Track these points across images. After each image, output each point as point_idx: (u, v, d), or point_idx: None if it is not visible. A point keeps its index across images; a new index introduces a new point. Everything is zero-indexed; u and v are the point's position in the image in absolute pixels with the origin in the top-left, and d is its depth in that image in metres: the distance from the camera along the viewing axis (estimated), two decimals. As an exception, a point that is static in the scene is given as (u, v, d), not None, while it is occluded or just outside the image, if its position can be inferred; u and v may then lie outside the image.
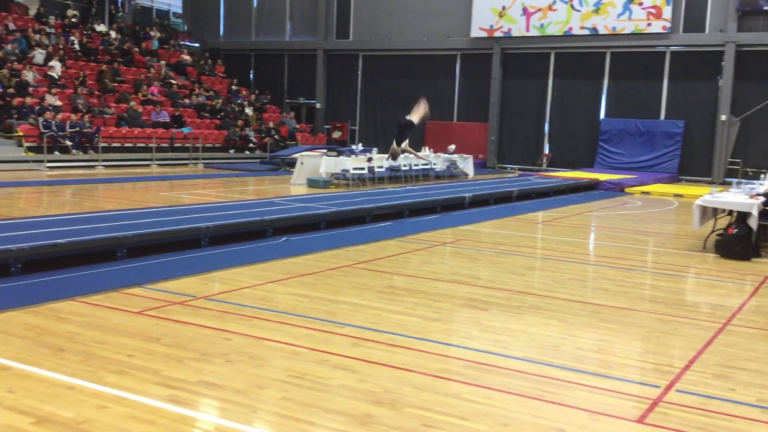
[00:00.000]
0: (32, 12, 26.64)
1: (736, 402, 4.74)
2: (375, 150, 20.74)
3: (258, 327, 6.02)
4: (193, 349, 5.38)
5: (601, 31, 25.80)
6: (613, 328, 6.47)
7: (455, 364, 5.38)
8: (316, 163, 18.28)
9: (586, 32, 26.05)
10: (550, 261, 9.77)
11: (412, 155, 17.23)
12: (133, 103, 23.75)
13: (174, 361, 5.11)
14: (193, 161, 23.65)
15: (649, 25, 25.10)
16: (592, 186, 20.85)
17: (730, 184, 13.25)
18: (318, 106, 31.51)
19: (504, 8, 27.21)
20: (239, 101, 28.95)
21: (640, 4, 25.13)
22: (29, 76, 22.16)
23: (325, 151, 20.14)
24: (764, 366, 5.51)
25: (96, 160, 20.74)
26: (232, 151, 25.63)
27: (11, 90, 21.12)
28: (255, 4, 32.64)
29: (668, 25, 24.80)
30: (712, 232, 11.10)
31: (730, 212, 11.04)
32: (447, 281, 8.15)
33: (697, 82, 24.97)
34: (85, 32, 26.98)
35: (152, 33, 30.00)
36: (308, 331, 5.94)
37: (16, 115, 20.30)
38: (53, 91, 21.82)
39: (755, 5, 23.55)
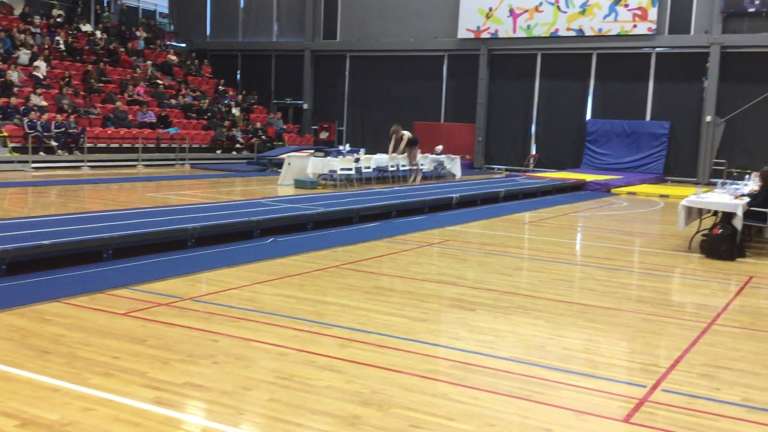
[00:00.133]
0: (17, 12, 26.45)
1: (721, 401, 4.77)
2: (362, 150, 20.75)
3: (245, 328, 6.00)
4: (180, 350, 5.36)
5: (587, 32, 25.92)
6: (600, 328, 6.50)
7: (442, 364, 5.39)
8: (303, 163, 18.25)
9: (573, 33, 26.17)
10: (537, 261, 9.80)
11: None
12: (119, 103, 23.63)
13: (160, 362, 5.08)
14: (180, 162, 23.55)
15: (634, 26, 25.25)
16: (578, 187, 20.95)
17: (715, 184, 13.37)
18: (305, 106, 31.48)
19: (491, 9, 27.29)
20: (226, 101, 28.87)
21: (626, 5, 25.27)
22: (14, 76, 22.00)
23: (312, 151, 20.12)
24: (749, 365, 5.55)
25: (82, 161, 20.62)
26: (218, 151, 25.55)
27: (-4, 90, 20.97)
28: (242, 5, 32.56)
29: (654, 26, 24.95)
30: (698, 232, 11.17)
31: (715, 213, 11.11)
32: (434, 282, 8.15)
33: (682, 84, 25.14)
34: (70, 32, 26.82)
35: (138, 33, 29.87)
36: (295, 332, 5.93)
37: (0, 116, 20.14)
38: (38, 91, 21.67)
39: (740, 7, 23.74)
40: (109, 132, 22.15)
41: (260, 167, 23.23)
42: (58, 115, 21.04)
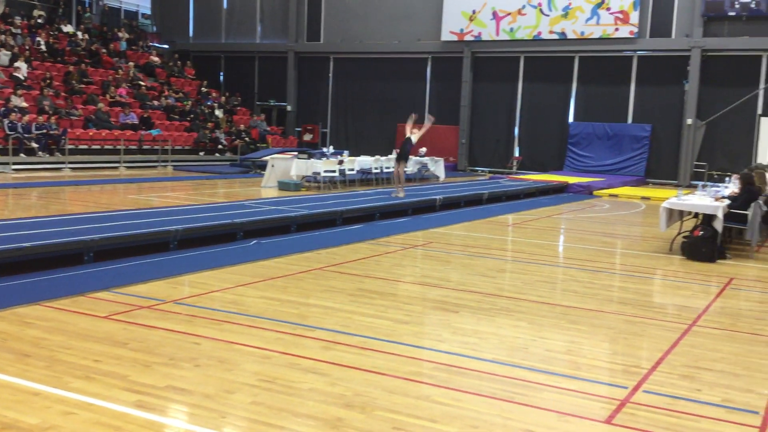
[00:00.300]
0: (-3, 12, 26.20)
1: (702, 402, 4.81)
2: (346, 152, 20.73)
3: (228, 331, 5.97)
4: (161, 353, 5.32)
5: (570, 35, 26.07)
6: (582, 329, 6.54)
7: (426, 366, 5.39)
8: (287, 165, 18.21)
9: (555, 37, 26.30)
10: (520, 263, 9.84)
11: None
12: (100, 104, 23.46)
13: (141, 366, 5.04)
14: (162, 164, 23.42)
15: (616, 30, 25.42)
16: (561, 189, 21.05)
17: (695, 187, 13.48)
18: (289, 108, 31.41)
19: (474, 12, 27.37)
20: (209, 103, 28.74)
21: (608, 9, 25.45)
22: (-6, 76, 21.78)
23: (296, 153, 20.07)
24: (729, 366, 5.60)
25: (63, 163, 20.44)
26: (201, 153, 25.43)
27: (-25, 91, 20.75)
28: (225, 6, 32.44)
29: (635, 30, 25.14)
30: (679, 234, 11.26)
31: (696, 215, 11.22)
32: (418, 284, 8.16)
33: (663, 87, 25.35)
34: (51, 33, 26.59)
35: (120, 34, 29.67)
36: (278, 335, 5.91)
37: (-20, 117, 19.94)
38: (19, 92, 21.46)
39: (720, 11, 23.98)
40: (91, 133, 21.98)
41: (243, 169, 23.15)
42: (39, 117, 20.85)
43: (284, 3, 30.95)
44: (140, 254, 8.87)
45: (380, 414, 4.37)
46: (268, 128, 29.32)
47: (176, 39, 33.18)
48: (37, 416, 4.14)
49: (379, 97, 29.77)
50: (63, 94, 23.35)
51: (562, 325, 6.66)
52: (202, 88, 29.81)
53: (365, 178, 20.07)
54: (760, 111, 23.99)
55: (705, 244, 10.32)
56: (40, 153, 20.15)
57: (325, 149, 22.05)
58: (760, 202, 10.89)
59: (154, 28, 33.71)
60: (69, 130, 21.21)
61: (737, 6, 23.64)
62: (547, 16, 26.32)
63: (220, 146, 26.09)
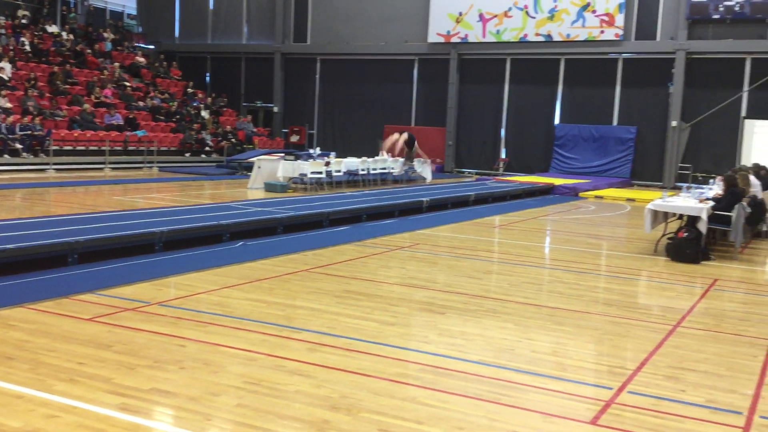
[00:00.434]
0: (-19, 12, 25.99)
1: (686, 403, 4.84)
2: (333, 154, 20.71)
3: (213, 333, 5.95)
4: (146, 356, 5.29)
5: (556, 38, 26.18)
6: (568, 330, 6.56)
7: (412, 368, 5.39)
8: (273, 167, 18.16)
9: (541, 39, 26.41)
10: (507, 265, 9.86)
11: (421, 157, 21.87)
12: (85, 105, 23.31)
13: (126, 368, 5.01)
14: (148, 165, 23.30)
15: (602, 32, 25.55)
16: (547, 190, 21.14)
17: (680, 188, 13.57)
18: (275, 109, 31.34)
19: (461, 14, 27.43)
20: (195, 104, 28.63)
21: (594, 11, 25.58)
22: (-23, 77, 21.60)
23: (282, 155, 20.01)
24: (713, 367, 5.64)
25: (47, 164, 20.29)
26: (187, 154, 25.31)
27: (-42, 91, 20.56)
28: (211, 6, 32.32)
29: (621, 32, 25.28)
30: (663, 235, 11.33)
31: (681, 216, 11.30)
32: (404, 285, 8.16)
33: (648, 89, 25.51)
34: (36, 33, 26.39)
35: (105, 34, 29.48)
36: (264, 337, 5.90)
37: (-37, 117, 19.77)
38: (3, 92, 21.27)
39: (705, 14, 24.16)
40: (76, 134, 21.83)
41: (230, 170, 23.07)
42: (24, 117, 20.67)
43: (271, 4, 30.89)
44: (125, 256, 8.82)
45: (366, 416, 4.37)
46: (255, 129, 29.24)
47: (162, 39, 33.02)
48: (20, 419, 4.10)
49: (366, 99, 29.77)
50: (47, 94, 23.17)
51: (547, 326, 6.68)
52: (188, 89, 29.69)
53: (352, 179, 20.05)
54: (744, 113, 24.21)
55: (689, 245, 10.38)
56: (24, 154, 19.99)
57: (311, 151, 22.01)
58: (744, 203, 10.98)
59: (140, 29, 33.53)
60: (53, 130, 21.06)
61: (721, 9, 23.84)
62: (533, 18, 26.42)
63: (206, 147, 25.99)
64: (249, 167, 20.22)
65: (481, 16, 27.14)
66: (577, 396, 4.88)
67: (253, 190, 17.64)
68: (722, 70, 24.39)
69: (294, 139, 30.57)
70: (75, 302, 6.71)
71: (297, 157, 19.19)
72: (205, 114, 28.11)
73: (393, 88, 29.30)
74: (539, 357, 5.73)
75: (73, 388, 4.60)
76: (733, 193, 10.96)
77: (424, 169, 22.99)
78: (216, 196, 16.48)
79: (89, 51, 27.45)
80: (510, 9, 26.69)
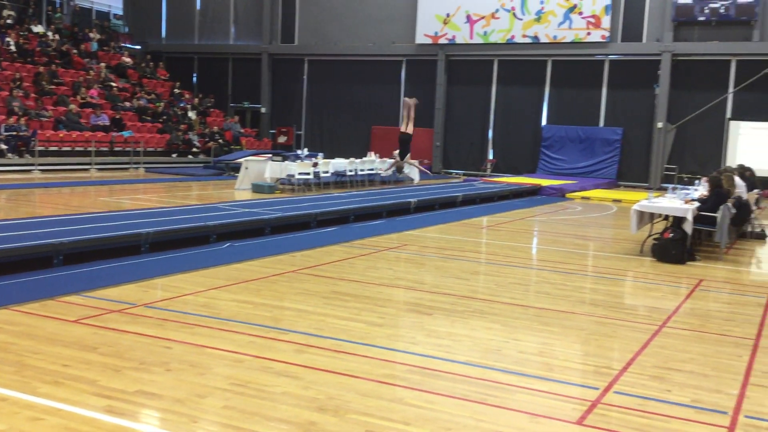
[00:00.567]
0: (-35, 11, 25.77)
1: (672, 403, 4.87)
2: (321, 155, 20.69)
3: (199, 335, 5.93)
4: (132, 358, 5.27)
5: (543, 39, 26.29)
6: (555, 331, 6.58)
7: (399, 369, 5.39)
8: (261, 167, 18.12)
9: (528, 40, 26.51)
10: (494, 265, 9.88)
11: (413, 165, 20.97)
12: (71, 106, 23.16)
13: (111, 370, 4.98)
14: (134, 166, 23.19)
15: (588, 34, 25.68)
16: (534, 191, 21.22)
17: (666, 189, 13.65)
18: (263, 110, 31.28)
19: (448, 15, 27.49)
20: (182, 105, 28.51)
21: (580, 13, 25.70)
22: (-39, 77, 21.41)
23: (270, 155, 19.96)
24: (698, 367, 5.68)
25: (32, 164, 20.15)
26: (174, 155, 25.20)
27: (-58, 91, 20.38)
28: (198, 7, 32.23)
29: (607, 34, 25.42)
30: (649, 236, 11.39)
31: (666, 217, 11.37)
32: (392, 286, 8.16)
33: (634, 91, 25.66)
34: (21, 33, 26.20)
35: (92, 34, 29.32)
36: (251, 338, 5.88)
37: (-53, 118, 19.59)
38: (-13, 92, 21.13)
39: (690, 16, 24.33)
40: (61, 135, 21.69)
41: (217, 171, 22.99)
42: (9, 118, 20.52)
43: (258, 4, 30.83)
44: (111, 257, 8.77)
45: (353, 417, 4.36)
46: (242, 130, 29.16)
47: (149, 40, 32.88)
48: (5, 422, 4.07)
49: (354, 100, 29.77)
50: (33, 95, 23.02)
51: (534, 326, 6.70)
52: (175, 90, 29.56)
53: (340, 180, 20.04)
54: (729, 115, 24.40)
55: (675, 246, 10.45)
56: (9, 155, 19.84)
57: (299, 151, 21.97)
58: (729, 204, 11.06)
59: (126, 29, 33.36)
60: (39, 131, 20.91)
61: (707, 11, 24.02)
62: (521, 20, 26.51)
63: (193, 148, 25.89)
64: (236, 168, 20.17)
65: (468, 17, 27.21)
66: (563, 396, 4.90)
67: (240, 191, 17.59)
68: (707, 72, 24.57)
69: (281, 140, 30.51)
70: (60, 304, 6.67)
71: (284, 158, 19.15)
72: (192, 114, 28.00)
73: (381, 89, 29.32)
74: (526, 357, 5.75)
75: (58, 391, 4.57)
76: (718, 194, 11.04)
77: (411, 170, 22.99)
78: (203, 197, 16.42)
79: (75, 51, 27.29)
80: (497, 10, 26.77)
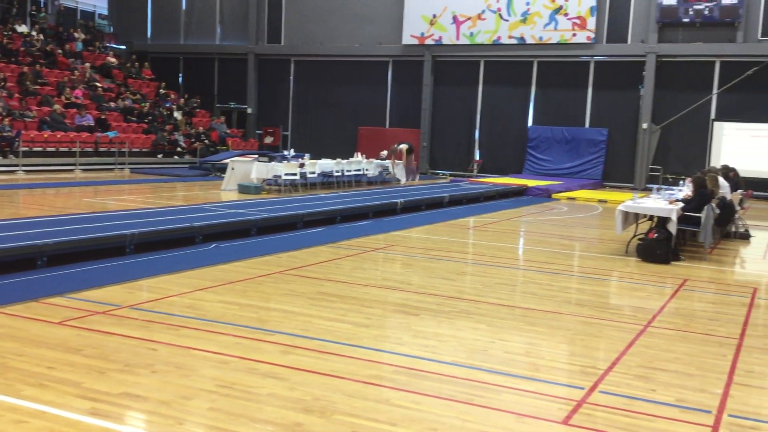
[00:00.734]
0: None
1: (657, 402, 4.89)
2: (307, 155, 20.66)
3: (185, 336, 5.90)
4: (117, 360, 5.23)
5: (529, 40, 26.38)
6: (541, 331, 6.60)
7: (385, 369, 5.39)
8: (247, 168, 18.07)
9: (514, 41, 26.59)
10: (481, 266, 9.90)
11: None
12: (56, 106, 23.00)
13: (96, 372, 4.95)
14: (119, 166, 23.05)
15: (574, 35, 25.80)
16: (520, 192, 21.28)
17: (651, 190, 13.73)
18: (249, 110, 31.19)
19: (435, 16, 27.53)
20: (168, 105, 28.38)
21: (566, 14, 25.81)
22: (-56, 76, 21.21)
23: (256, 156, 19.90)
24: (683, 366, 5.71)
25: (16, 165, 19.99)
26: (160, 155, 25.08)
27: (-76, 91, 20.17)
28: (184, 7, 32.08)
29: (592, 35, 25.54)
30: (634, 236, 11.46)
31: (651, 217, 11.43)
32: (378, 287, 8.16)
33: (619, 91, 25.80)
34: (5, 33, 25.99)
35: (76, 34, 29.14)
36: (237, 340, 5.86)
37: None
38: (-30, 92, 20.95)
39: (675, 17, 24.50)
40: (46, 135, 21.54)
41: (203, 172, 22.89)
42: (-8, 118, 20.37)
43: (244, 4, 30.74)
44: (95, 259, 8.71)
45: (339, 418, 4.36)
46: (228, 131, 29.07)
47: (134, 40, 32.71)
48: (-13, 425, 4.04)
49: (341, 100, 29.75)
50: (17, 95, 22.83)
51: (520, 327, 6.72)
52: (161, 90, 29.42)
53: (326, 181, 20.02)
54: (713, 116, 24.59)
55: (660, 246, 10.51)
56: (-8, 155, 19.69)
57: (286, 152, 21.94)
58: (713, 205, 11.14)
59: (111, 29, 33.18)
60: (23, 132, 20.74)
61: (691, 13, 24.18)
62: (506, 21, 26.59)
63: (179, 149, 25.77)
64: (222, 169, 20.09)
65: (454, 18, 27.26)
66: (549, 396, 4.91)
67: (226, 191, 17.53)
68: (692, 73, 24.75)
69: (268, 140, 30.44)
70: (44, 306, 6.62)
71: (271, 159, 19.11)
72: (177, 115, 27.88)
73: (367, 89, 29.32)
74: (512, 357, 5.76)
75: (43, 393, 4.53)
76: (702, 194, 11.12)
77: (398, 170, 23.01)
78: (189, 197, 16.35)
79: (60, 51, 27.10)
80: (483, 11, 26.84)
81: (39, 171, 20.45)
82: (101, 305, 6.72)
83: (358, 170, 21.09)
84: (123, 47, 32.24)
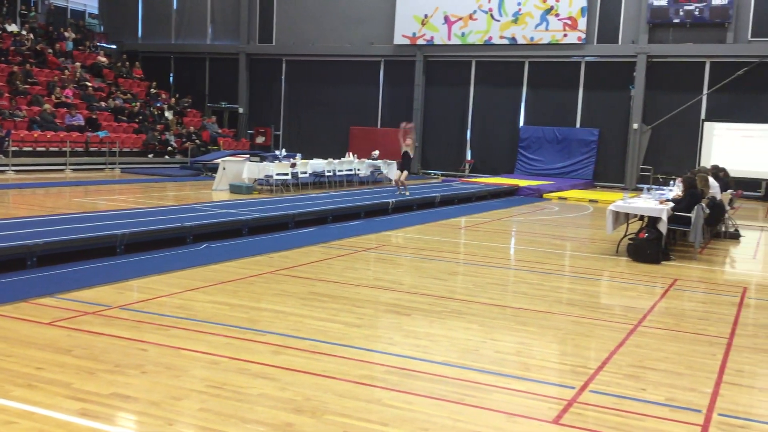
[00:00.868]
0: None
1: (647, 401, 4.91)
2: (299, 155, 20.64)
3: (175, 336, 5.88)
4: (107, 360, 5.21)
5: (520, 41, 26.43)
6: (532, 330, 6.62)
7: (377, 369, 5.38)
8: (238, 168, 18.03)
9: (506, 42, 26.64)
10: (472, 266, 9.91)
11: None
12: (46, 105, 22.90)
13: (86, 373, 4.93)
14: (110, 166, 22.97)
15: (565, 35, 25.87)
16: (512, 192, 21.32)
17: (641, 190, 13.78)
18: (241, 110, 31.13)
19: (426, 16, 27.55)
20: (159, 105, 28.30)
21: (557, 15, 25.88)
22: (-67, 76, 21.08)
23: (248, 156, 19.86)
24: (673, 366, 5.73)
25: (6, 165, 19.89)
26: (151, 155, 25.00)
27: None
28: (175, 6, 32.00)
29: (583, 36, 25.62)
30: (625, 236, 11.49)
31: (642, 217, 11.47)
32: (370, 287, 8.16)
33: (610, 92, 25.89)
34: (-6, 32, 25.89)
35: (67, 34, 29.01)
36: (228, 340, 5.84)
37: None
38: (-41, 92, 20.83)
39: (665, 18, 24.60)
40: (36, 135, 21.44)
41: (194, 172, 22.83)
42: (-19, 118, 20.27)
43: (236, 4, 30.69)
44: (86, 259, 8.67)
45: (331, 418, 4.35)
46: (220, 130, 29.01)
47: (124, 39, 32.61)
48: (-24, 427, 4.01)
49: (332, 100, 29.74)
50: (7, 94, 22.72)
51: (512, 326, 6.73)
52: (152, 90, 29.34)
53: (318, 181, 20.00)
54: (703, 116, 24.70)
55: (650, 246, 10.55)
56: (-19, 155, 19.59)
57: (277, 152, 21.90)
58: (703, 204, 11.19)
59: (102, 28, 33.05)
60: (13, 131, 20.64)
61: (681, 13, 24.29)
62: (498, 21, 26.64)
63: (169, 148, 25.70)
64: (214, 168, 20.04)
65: (446, 18, 27.29)
66: (540, 395, 4.92)
67: (217, 191, 17.48)
68: (682, 74, 24.86)
69: (259, 140, 30.39)
70: (33, 306, 6.58)
71: (262, 159, 19.08)
72: (168, 115, 27.80)
73: (359, 89, 29.32)
74: (503, 357, 5.77)
75: (32, 394, 4.51)
76: (693, 194, 11.17)
77: (390, 170, 23.00)
78: (180, 197, 16.30)
79: (50, 50, 26.98)
80: (475, 12, 26.88)
81: (29, 171, 20.35)
82: (91, 305, 6.69)
83: (350, 170, 21.08)
84: (113, 46, 32.13)
